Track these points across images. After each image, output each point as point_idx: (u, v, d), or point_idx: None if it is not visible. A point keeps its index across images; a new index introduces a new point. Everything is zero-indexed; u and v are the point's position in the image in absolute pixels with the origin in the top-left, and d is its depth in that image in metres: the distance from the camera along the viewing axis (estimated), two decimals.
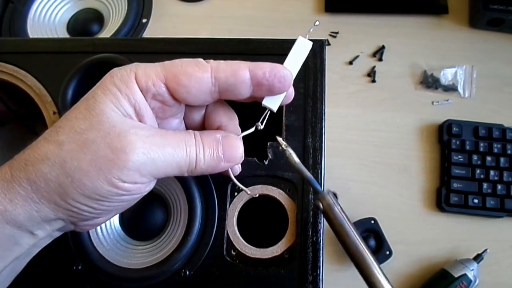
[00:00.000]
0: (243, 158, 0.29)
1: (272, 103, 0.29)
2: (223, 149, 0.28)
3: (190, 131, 0.27)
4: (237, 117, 0.30)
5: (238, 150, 0.28)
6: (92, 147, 0.24)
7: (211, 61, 0.26)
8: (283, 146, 0.29)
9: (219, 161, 0.28)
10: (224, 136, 0.28)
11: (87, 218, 0.26)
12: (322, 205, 0.27)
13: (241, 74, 0.26)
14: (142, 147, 0.24)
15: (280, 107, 0.29)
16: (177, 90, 0.25)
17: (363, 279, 0.27)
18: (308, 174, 0.28)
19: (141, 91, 0.25)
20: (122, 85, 0.25)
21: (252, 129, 0.30)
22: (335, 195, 0.27)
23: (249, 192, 0.31)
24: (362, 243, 0.27)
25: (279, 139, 0.29)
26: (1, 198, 0.23)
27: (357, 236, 0.27)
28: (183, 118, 0.30)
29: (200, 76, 0.25)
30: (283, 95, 0.28)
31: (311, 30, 0.30)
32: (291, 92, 0.29)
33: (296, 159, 0.28)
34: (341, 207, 0.27)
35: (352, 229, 0.27)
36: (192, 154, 0.26)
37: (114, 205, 0.26)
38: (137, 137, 0.24)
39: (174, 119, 0.29)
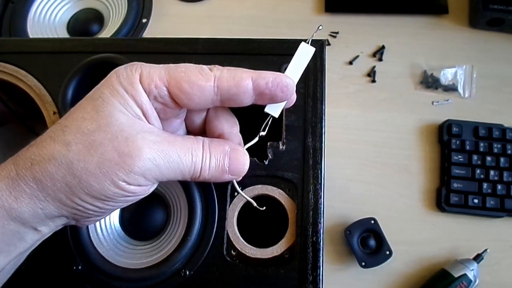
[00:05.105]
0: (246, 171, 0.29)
1: (274, 110, 0.29)
2: (230, 162, 0.28)
3: (199, 138, 0.27)
4: (238, 124, 0.30)
5: (244, 166, 0.29)
6: (99, 149, 0.24)
7: (215, 69, 0.26)
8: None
9: (224, 173, 0.28)
10: (232, 149, 0.28)
11: (91, 216, 0.26)
12: None
13: (243, 84, 0.26)
14: (149, 153, 0.24)
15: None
16: (179, 96, 0.25)
17: None
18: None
19: (145, 92, 0.25)
20: (128, 86, 0.25)
21: (256, 140, 0.30)
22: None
23: (255, 204, 0.31)
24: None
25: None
26: (7, 195, 0.23)
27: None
28: (184, 119, 0.30)
29: (203, 84, 0.25)
30: (285, 101, 0.28)
31: (314, 35, 0.30)
32: (293, 98, 0.29)
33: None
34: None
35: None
36: (197, 163, 0.26)
37: (118, 205, 0.26)
38: (144, 143, 0.24)
39: (175, 120, 0.29)
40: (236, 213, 0.33)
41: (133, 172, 0.24)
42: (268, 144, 0.34)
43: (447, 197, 0.57)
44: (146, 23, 0.70)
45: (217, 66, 0.27)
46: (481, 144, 0.58)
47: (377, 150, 0.62)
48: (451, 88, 0.64)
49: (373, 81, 0.66)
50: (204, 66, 0.26)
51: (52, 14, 0.70)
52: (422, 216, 0.58)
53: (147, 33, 0.70)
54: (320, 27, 0.31)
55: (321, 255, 0.32)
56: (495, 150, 0.58)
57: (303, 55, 0.30)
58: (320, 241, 0.32)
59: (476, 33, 0.68)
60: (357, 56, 0.67)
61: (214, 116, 0.30)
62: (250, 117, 0.31)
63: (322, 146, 0.34)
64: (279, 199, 0.33)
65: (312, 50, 0.30)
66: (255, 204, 0.31)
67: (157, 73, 0.25)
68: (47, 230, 0.26)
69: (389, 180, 0.60)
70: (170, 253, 0.32)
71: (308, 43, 0.30)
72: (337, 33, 0.69)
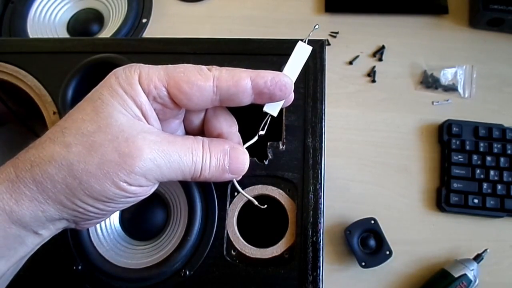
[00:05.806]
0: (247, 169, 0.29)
1: (273, 108, 0.29)
2: (230, 161, 0.28)
3: (199, 138, 0.27)
4: (237, 124, 0.31)
5: (244, 165, 0.29)
6: (100, 150, 0.24)
7: (213, 69, 0.26)
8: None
9: (224, 172, 0.28)
10: (232, 149, 0.28)
11: (91, 218, 0.26)
12: None
13: (242, 84, 0.26)
14: (150, 154, 0.24)
15: (280, 109, 0.30)
16: (178, 96, 0.25)
17: None
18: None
19: (144, 93, 0.25)
20: (128, 87, 0.25)
21: (255, 139, 0.30)
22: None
23: (256, 203, 0.31)
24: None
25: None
26: (7, 198, 0.23)
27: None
28: (183, 120, 0.30)
29: (202, 85, 0.25)
30: (283, 100, 0.29)
31: (310, 35, 0.30)
32: (291, 97, 0.29)
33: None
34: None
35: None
36: (198, 163, 0.26)
37: (119, 206, 0.26)
38: (145, 143, 0.24)
39: (174, 120, 0.29)
40: (236, 213, 0.33)
41: (134, 173, 0.24)
42: (268, 144, 0.34)
43: (447, 197, 0.57)
44: (146, 23, 0.70)
45: (215, 66, 0.27)
46: (481, 144, 0.58)
47: (377, 150, 0.62)
48: (451, 88, 0.64)
49: (373, 81, 0.66)
50: (203, 67, 0.26)
51: (52, 14, 0.70)
52: (422, 216, 0.58)
53: (147, 33, 0.70)
54: (317, 27, 0.31)
55: (321, 255, 0.32)
56: (495, 150, 0.58)
57: (300, 54, 0.30)
58: (320, 241, 0.32)
59: (476, 33, 0.68)
60: (357, 56, 0.67)
61: (213, 116, 0.30)
62: (249, 117, 0.31)
63: (322, 146, 0.34)
64: (279, 199, 0.33)
65: (309, 49, 0.30)
66: (256, 203, 0.31)
67: (156, 74, 0.25)
68: (47, 233, 0.25)
69: (389, 180, 0.60)
70: (170, 253, 0.32)
71: (305, 42, 0.30)
72: (337, 33, 0.69)
